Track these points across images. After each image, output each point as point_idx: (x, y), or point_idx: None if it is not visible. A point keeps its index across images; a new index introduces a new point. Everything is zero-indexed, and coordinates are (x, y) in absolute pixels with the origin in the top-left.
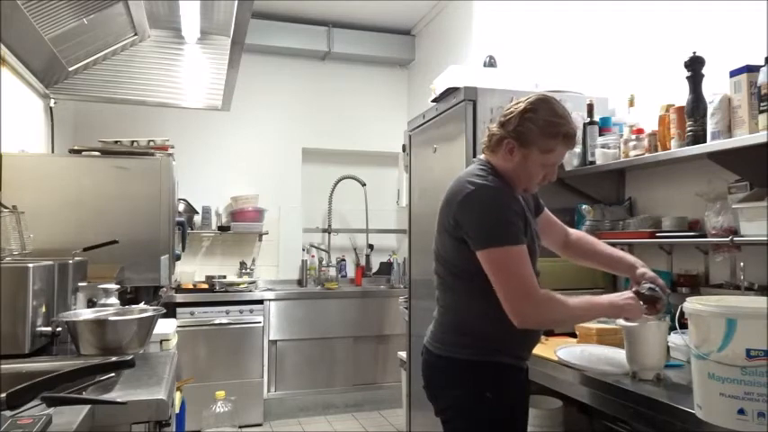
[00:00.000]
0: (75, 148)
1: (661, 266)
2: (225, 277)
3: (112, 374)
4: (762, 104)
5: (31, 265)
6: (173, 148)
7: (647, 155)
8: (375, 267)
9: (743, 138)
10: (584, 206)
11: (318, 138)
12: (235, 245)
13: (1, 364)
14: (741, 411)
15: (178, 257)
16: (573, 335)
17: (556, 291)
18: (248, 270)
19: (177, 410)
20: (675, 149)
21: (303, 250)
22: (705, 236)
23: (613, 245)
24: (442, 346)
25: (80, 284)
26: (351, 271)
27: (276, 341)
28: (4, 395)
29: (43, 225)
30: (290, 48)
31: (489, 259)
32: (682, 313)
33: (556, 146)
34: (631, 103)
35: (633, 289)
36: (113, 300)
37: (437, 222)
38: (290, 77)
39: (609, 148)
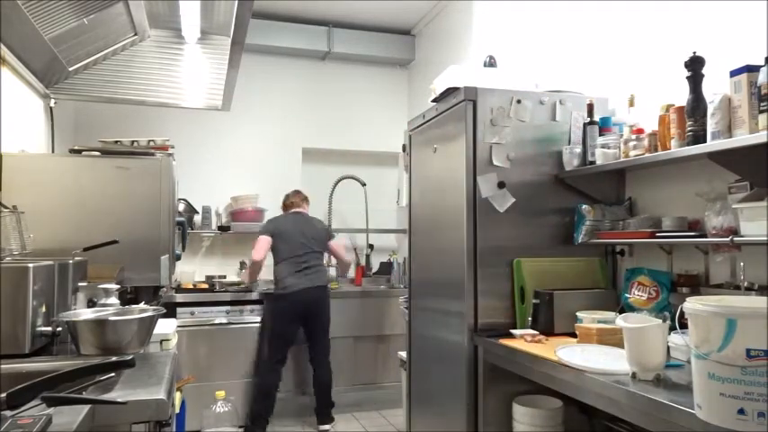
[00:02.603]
0: (76, 148)
1: (661, 266)
2: (225, 277)
3: (112, 374)
4: (762, 104)
5: (31, 265)
6: (173, 148)
7: (647, 155)
8: (375, 267)
9: (743, 138)
10: (584, 206)
11: (318, 138)
12: (235, 245)
13: (1, 364)
14: (741, 411)
15: (178, 257)
16: (573, 335)
17: (556, 290)
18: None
19: (177, 410)
20: (675, 149)
21: None
22: (705, 236)
23: (613, 245)
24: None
25: (80, 284)
26: (351, 271)
27: None
28: (4, 395)
29: (43, 225)
30: (290, 48)
31: (337, 245)
32: (682, 313)
33: None
34: (631, 103)
35: None
36: (113, 300)
37: (315, 237)
38: (290, 77)
39: (609, 148)
